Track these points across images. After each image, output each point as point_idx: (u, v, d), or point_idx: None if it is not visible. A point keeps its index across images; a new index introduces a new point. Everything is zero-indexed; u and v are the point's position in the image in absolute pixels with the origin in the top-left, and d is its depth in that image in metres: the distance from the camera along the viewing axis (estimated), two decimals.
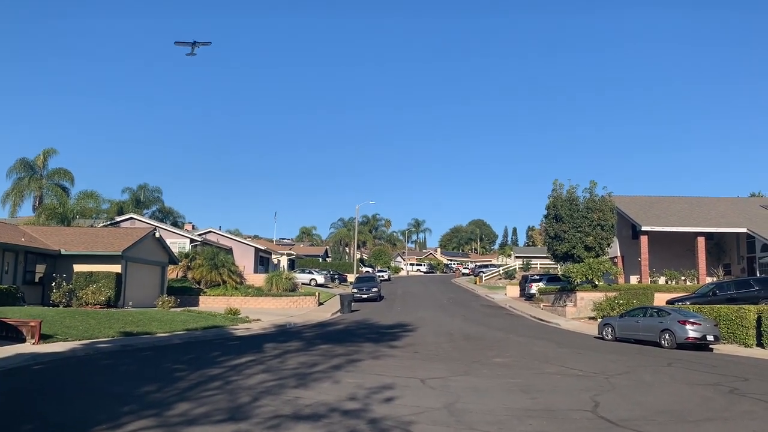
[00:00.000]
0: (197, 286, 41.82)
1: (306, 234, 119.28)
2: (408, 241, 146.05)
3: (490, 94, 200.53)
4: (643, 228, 39.27)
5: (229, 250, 50.67)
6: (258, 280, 46.15)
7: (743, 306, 24.57)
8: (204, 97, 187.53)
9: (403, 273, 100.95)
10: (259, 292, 41.29)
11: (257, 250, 56.93)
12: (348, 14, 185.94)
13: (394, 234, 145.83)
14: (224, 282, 41.85)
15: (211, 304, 38.19)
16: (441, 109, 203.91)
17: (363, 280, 49.44)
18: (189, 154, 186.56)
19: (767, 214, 42.39)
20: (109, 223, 48.93)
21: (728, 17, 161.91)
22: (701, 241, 39.34)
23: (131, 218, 49.38)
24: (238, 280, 43.70)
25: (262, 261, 58.72)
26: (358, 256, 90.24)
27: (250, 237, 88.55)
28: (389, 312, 36.32)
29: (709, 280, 38.16)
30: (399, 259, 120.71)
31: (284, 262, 69.67)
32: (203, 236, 52.74)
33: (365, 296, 44.57)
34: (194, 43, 31.39)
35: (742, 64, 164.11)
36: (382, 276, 72.51)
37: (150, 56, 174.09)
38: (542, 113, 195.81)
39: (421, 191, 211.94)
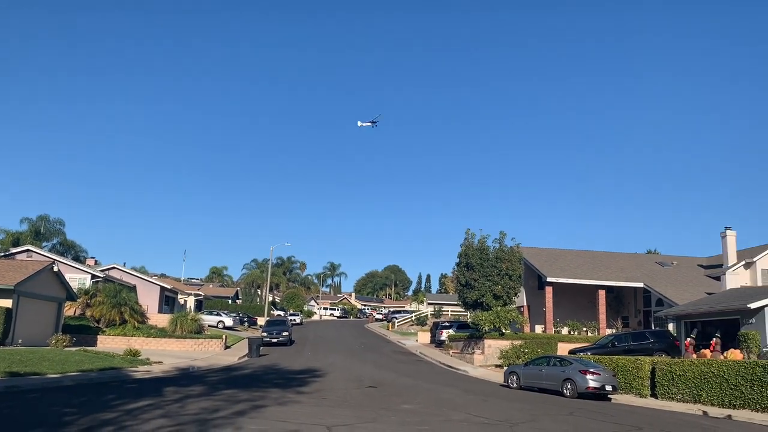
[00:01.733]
0: (96, 324, 39.60)
1: (216, 274, 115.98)
2: (323, 285, 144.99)
3: (403, 144, 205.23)
4: (549, 279, 40.78)
5: (133, 288, 48.47)
6: (162, 320, 44.22)
7: (639, 357, 25.78)
8: (106, 126, 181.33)
9: (316, 317, 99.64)
10: (162, 333, 39.53)
11: (163, 288, 54.72)
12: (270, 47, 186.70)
13: (309, 277, 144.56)
14: (126, 321, 39.85)
15: (111, 344, 36.22)
16: (357, 156, 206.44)
17: (273, 324, 48.41)
18: (94, 187, 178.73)
19: (662, 270, 45.05)
20: (2, 254, 45.77)
21: (624, 81, 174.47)
22: (602, 293, 41.26)
23: (28, 250, 46.45)
24: (141, 319, 41.75)
25: (168, 301, 56.44)
26: (271, 299, 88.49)
27: (156, 275, 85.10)
28: (299, 357, 35.61)
29: (608, 331, 39.90)
30: (313, 302, 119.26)
31: (191, 302, 67.26)
32: (106, 272, 50.28)
33: (275, 340, 43.59)
34: (374, 121, 40.51)
35: (634, 128, 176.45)
36: (294, 320, 71.32)
37: (57, 80, 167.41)
38: (454, 164, 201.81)
39: (338, 235, 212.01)
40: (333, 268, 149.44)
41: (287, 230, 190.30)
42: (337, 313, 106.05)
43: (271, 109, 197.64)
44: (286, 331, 45.27)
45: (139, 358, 28.53)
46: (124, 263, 55.48)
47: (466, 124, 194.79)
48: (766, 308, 27.39)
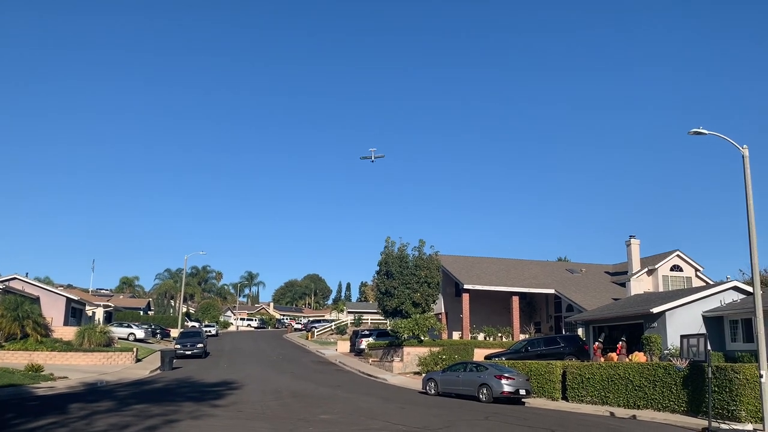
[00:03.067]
0: None
1: (127, 285, 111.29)
2: (240, 295, 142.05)
3: (321, 148, 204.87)
4: (465, 286, 41.68)
5: (36, 300, 45.69)
6: (68, 333, 41.87)
7: (551, 362, 26.72)
8: (7, 137, 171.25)
9: (233, 328, 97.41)
10: (68, 346, 37.41)
11: (69, 300, 51.90)
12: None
13: (226, 287, 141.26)
14: (28, 335, 37.42)
15: (11, 359, 33.91)
16: (274, 161, 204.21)
17: (187, 336, 46.92)
18: None
19: (571, 277, 46.96)
20: None
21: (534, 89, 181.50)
22: (516, 300, 42.58)
23: None
24: (45, 332, 39.32)
25: (75, 312, 53.59)
26: (185, 310, 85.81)
27: (62, 286, 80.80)
28: (215, 369, 34.66)
29: (522, 336, 41.17)
30: (229, 313, 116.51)
31: (100, 314, 64.19)
32: (6, 283, 47.11)
33: (189, 352, 42.23)
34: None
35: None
36: (210, 331, 69.44)
37: None
38: (376, 172, 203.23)
39: (256, 244, 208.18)
40: (251, 278, 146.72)
41: (202, 239, 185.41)
42: (254, 323, 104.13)
43: (178, 108, 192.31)
44: (201, 342, 43.97)
45: (42, 373, 26.87)
46: (27, 273, 52.15)
47: (382, 132, 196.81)
48: (667, 313, 29.07)
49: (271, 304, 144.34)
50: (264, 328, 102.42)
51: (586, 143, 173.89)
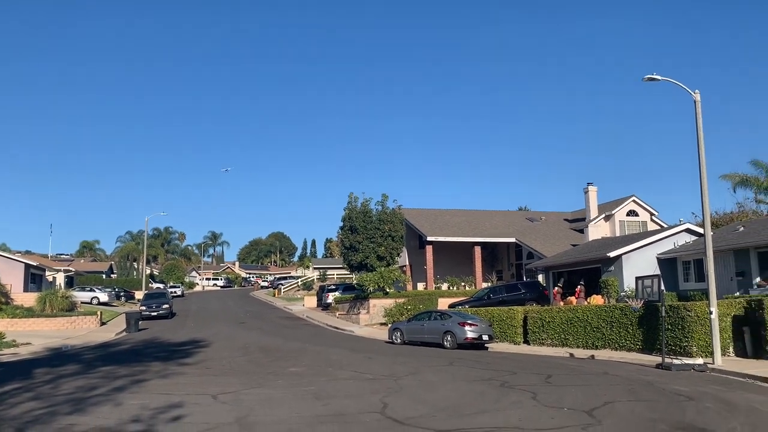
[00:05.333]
0: None
1: (88, 249, 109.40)
2: (204, 255, 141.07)
3: (288, 109, 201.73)
4: (429, 238, 42.16)
5: None
6: (29, 299, 41.21)
7: (512, 307, 27.49)
8: None
9: (198, 288, 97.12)
10: (29, 312, 36.87)
11: (28, 266, 50.87)
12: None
13: (189, 248, 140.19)
14: None
15: None
16: (237, 118, 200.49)
17: (152, 297, 46.66)
18: None
19: (532, 225, 47.85)
20: None
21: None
22: (478, 250, 43.32)
23: None
24: (4, 300, 38.73)
25: (35, 278, 52.61)
26: (149, 272, 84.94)
27: (20, 252, 78.77)
28: (181, 329, 34.65)
29: (485, 284, 42.04)
30: (194, 273, 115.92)
31: (61, 279, 63.09)
32: None
33: (155, 314, 42.06)
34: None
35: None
36: (175, 292, 69.12)
37: None
38: (338, 130, 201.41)
39: (218, 203, 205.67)
40: (214, 238, 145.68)
41: (163, 200, 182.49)
42: (220, 282, 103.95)
43: (136, 82, 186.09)
44: (167, 303, 43.80)
45: (4, 340, 26.50)
46: None
47: (342, 92, 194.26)
48: (623, 256, 29.99)
49: (237, 263, 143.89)
50: (230, 287, 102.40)
51: (545, 91, 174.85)
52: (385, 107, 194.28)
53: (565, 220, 49.95)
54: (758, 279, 24.96)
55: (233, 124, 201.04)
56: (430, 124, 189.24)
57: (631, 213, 42.43)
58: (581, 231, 43.43)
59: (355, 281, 49.65)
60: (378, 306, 36.75)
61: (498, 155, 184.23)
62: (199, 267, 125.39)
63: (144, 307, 42.61)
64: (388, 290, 38.33)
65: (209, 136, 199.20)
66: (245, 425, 9.87)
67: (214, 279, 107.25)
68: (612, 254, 30.02)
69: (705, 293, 19.64)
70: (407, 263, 46.50)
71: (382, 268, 38.81)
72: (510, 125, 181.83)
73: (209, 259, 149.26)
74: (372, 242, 39.80)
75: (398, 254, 41.73)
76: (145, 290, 60.63)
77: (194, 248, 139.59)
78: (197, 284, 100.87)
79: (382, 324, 34.69)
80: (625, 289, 28.45)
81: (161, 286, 75.01)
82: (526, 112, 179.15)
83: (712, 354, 18.06)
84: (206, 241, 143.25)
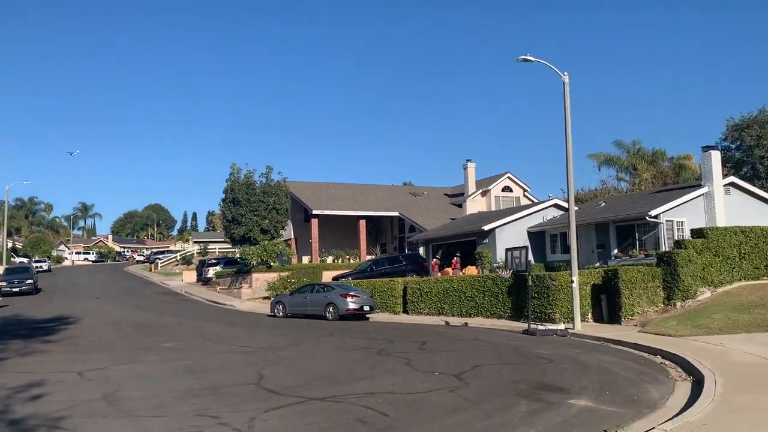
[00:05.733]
0: None
1: None
2: (74, 228, 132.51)
3: (168, 76, 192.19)
4: (314, 212, 42.09)
5: None
6: None
7: (393, 279, 28.18)
8: None
9: (68, 263, 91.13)
10: None
11: None
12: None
13: (58, 219, 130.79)
14: None
15: None
16: (105, 84, 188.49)
17: (14, 272, 43.37)
18: None
19: (414, 200, 49.02)
20: None
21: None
22: (362, 223, 43.83)
23: None
24: None
25: None
26: (10, 245, 78.68)
27: None
28: (47, 305, 32.49)
29: (369, 257, 42.67)
30: (63, 247, 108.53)
31: None
32: None
33: (17, 289, 39.11)
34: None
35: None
36: (41, 266, 64.52)
37: None
38: (222, 99, 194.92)
39: (90, 172, 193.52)
40: (85, 209, 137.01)
41: (27, 169, 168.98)
42: (92, 257, 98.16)
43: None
44: (30, 278, 40.86)
45: None
46: None
47: (220, 63, 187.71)
48: (496, 229, 31.47)
49: (110, 237, 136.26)
50: (103, 261, 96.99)
51: (427, 69, 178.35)
52: (274, 78, 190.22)
53: (446, 195, 51.55)
54: (616, 251, 27.16)
55: (96, 95, 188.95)
56: (316, 99, 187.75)
57: (506, 189, 44.52)
58: (460, 206, 45.01)
59: (237, 255, 48.70)
60: (261, 280, 36.32)
61: (382, 131, 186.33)
62: (69, 240, 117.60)
63: (4, 283, 39.51)
64: (272, 264, 37.93)
65: (80, 98, 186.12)
66: (114, 401, 9.54)
67: (85, 253, 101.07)
68: (486, 227, 31.40)
69: (569, 264, 21.10)
70: (292, 237, 46.19)
71: (266, 242, 38.27)
72: (396, 104, 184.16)
73: (80, 232, 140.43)
74: (256, 215, 39.09)
75: (283, 227, 41.30)
76: (7, 264, 56.30)
77: (63, 220, 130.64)
78: (66, 258, 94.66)
79: (265, 298, 34.35)
80: (498, 260, 29.92)
81: (25, 260, 69.73)
82: (413, 92, 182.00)
83: (572, 320, 19.50)
84: (76, 213, 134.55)
